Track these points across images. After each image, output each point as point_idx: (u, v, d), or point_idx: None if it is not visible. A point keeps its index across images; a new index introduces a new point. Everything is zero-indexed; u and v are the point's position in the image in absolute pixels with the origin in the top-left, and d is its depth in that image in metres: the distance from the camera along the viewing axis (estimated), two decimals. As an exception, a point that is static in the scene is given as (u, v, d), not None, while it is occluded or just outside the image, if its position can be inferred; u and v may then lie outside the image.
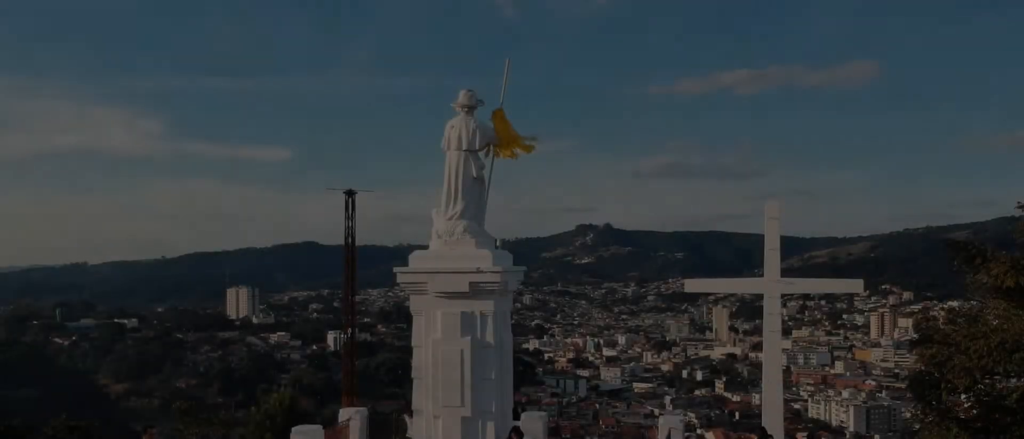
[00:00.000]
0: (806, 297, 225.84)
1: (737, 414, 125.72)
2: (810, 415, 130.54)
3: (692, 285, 18.99)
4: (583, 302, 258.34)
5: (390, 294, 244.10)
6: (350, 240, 38.08)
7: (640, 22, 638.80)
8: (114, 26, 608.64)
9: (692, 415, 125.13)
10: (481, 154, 14.44)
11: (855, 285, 15.85)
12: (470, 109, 14.40)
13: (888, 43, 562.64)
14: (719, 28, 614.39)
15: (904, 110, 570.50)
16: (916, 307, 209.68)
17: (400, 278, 14.05)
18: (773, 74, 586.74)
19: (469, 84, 14.76)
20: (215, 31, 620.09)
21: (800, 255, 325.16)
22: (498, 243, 14.63)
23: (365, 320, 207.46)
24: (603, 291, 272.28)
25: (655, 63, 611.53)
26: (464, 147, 14.14)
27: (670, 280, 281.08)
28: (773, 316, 14.22)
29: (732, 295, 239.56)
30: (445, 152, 14.39)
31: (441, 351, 13.72)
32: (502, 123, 14.49)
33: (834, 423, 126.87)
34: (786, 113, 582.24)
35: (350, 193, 38.86)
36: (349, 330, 43.94)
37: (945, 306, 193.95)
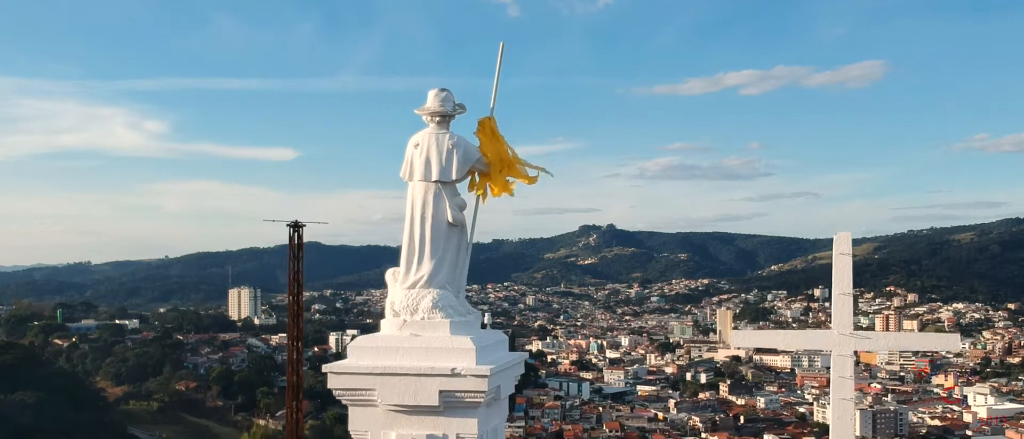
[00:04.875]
0: (810, 298, 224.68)
1: (742, 418, 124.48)
2: (816, 419, 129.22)
3: (739, 338, 13.01)
4: (586, 303, 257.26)
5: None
6: (296, 277, 31.45)
7: (645, 22, 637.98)
8: (120, 26, 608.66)
9: (696, 419, 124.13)
10: (461, 186, 9.91)
11: (951, 341, 12.09)
12: (444, 119, 9.86)
13: (893, 43, 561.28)
14: (724, 28, 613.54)
15: (909, 111, 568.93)
16: (921, 308, 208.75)
17: (333, 382, 9.16)
18: (778, 74, 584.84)
19: (459, 91, 9.95)
20: (221, 32, 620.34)
21: (803, 256, 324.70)
22: (487, 317, 10.22)
23: (367, 321, 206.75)
24: (606, 292, 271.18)
25: (660, 63, 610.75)
26: (434, 177, 9.57)
27: (674, 281, 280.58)
28: (845, 380, 10.72)
29: (736, 297, 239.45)
30: (406, 183, 9.85)
31: None
32: (493, 139, 9.97)
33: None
34: (791, 114, 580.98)
35: (296, 226, 32.29)
36: (295, 390, 33.67)
37: (951, 308, 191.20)
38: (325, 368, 9.13)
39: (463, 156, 9.57)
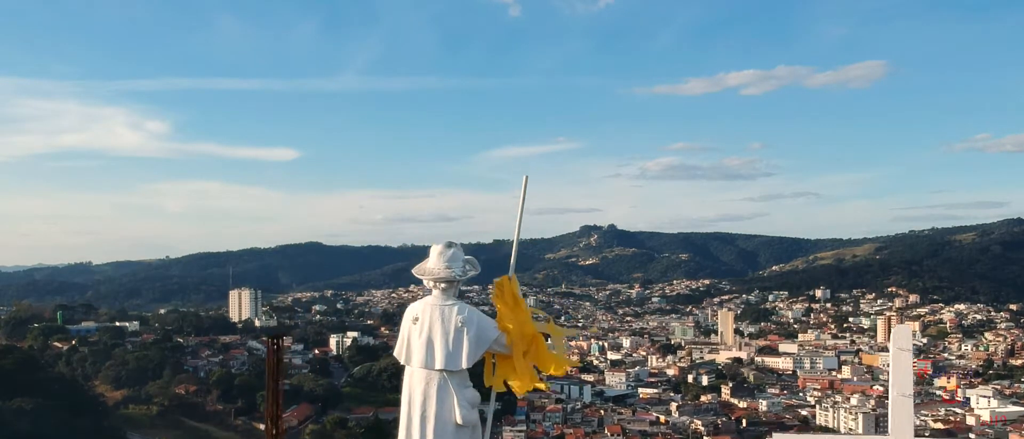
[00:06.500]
0: (811, 298, 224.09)
1: (744, 422, 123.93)
2: (818, 422, 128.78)
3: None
4: (587, 304, 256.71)
5: (393, 296, 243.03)
6: (275, 396, 28.15)
7: (646, 22, 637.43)
8: (121, 27, 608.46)
9: (698, 422, 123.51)
10: (464, 376, 7.61)
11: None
12: (450, 285, 7.44)
13: (894, 44, 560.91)
14: (725, 28, 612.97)
15: (910, 111, 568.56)
16: (923, 309, 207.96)
17: None
18: (779, 75, 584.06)
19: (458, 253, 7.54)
20: (221, 32, 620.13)
21: (804, 257, 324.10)
22: None
23: (367, 322, 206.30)
24: (607, 293, 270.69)
25: (661, 63, 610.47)
26: (438, 365, 7.27)
27: (675, 282, 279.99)
28: None
29: (737, 297, 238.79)
30: (403, 365, 7.59)
31: None
32: (515, 308, 7.53)
33: (843, 430, 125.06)
34: (792, 114, 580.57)
35: (276, 336, 29.58)
36: None
37: (953, 309, 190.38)
38: None
39: (476, 338, 7.31)
